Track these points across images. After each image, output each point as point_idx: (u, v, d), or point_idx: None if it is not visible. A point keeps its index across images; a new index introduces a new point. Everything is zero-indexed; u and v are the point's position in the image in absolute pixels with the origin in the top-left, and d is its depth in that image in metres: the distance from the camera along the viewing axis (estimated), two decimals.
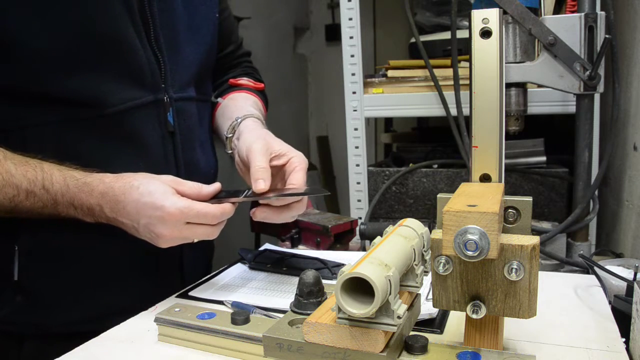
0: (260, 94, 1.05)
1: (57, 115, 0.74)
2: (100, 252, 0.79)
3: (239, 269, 0.90)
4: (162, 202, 0.67)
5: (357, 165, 1.32)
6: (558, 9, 1.03)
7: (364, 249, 1.13)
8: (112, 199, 0.69)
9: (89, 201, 0.70)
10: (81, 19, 0.71)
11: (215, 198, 0.72)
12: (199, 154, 0.90)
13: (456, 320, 0.64)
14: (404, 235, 0.54)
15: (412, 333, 0.53)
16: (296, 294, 0.63)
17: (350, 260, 0.50)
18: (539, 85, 0.93)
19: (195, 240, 0.71)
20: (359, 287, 0.45)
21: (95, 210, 0.71)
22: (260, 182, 0.71)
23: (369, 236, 1.06)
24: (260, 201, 0.74)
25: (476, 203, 0.46)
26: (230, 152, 0.88)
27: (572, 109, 0.99)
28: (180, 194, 0.69)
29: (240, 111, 0.91)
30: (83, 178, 0.71)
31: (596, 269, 0.75)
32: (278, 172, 0.78)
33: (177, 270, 0.88)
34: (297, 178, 0.74)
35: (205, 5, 0.90)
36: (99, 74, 0.74)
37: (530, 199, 0.52)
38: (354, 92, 1.29)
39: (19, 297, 0.77)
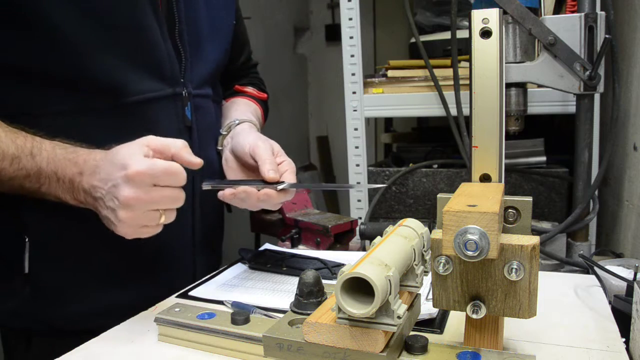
0: (262, 104, 1.09)
1: (73, 103, 0.74)
2: (113, 246, 0.77)
3: (239, 269, 0.90)
4: (127, 161, 0.64)
5: (357, 165, 1.32)
6: (558, 9, 1.03)
7: (364, 249, 1.13)
8: (92, 164, 0.67)
9: (72, 170, 0.68)
10: (104, 6, 0.72)
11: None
12: (215, 153, 0.91)
13: (456, 320, 0.64)
14: (404, 235, 0.54)
15: (412, 333, 0.53)
16: (296, 294, 0.63)
17: (350, 260, 0.50)
18: (539, 85, 0.93)
19: (162, 220, 0.66)
20: (359, 287, 0.45)
21: (75, 181, 0.68)
22: (271, 172, 0.77)
23: (369, 236, 1.06)
24: (279, 188, 0.77)
25: (476, 203, 0.46)
26: (220, 148, 0.91)
27: (572, 109, 0.99)
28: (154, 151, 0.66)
29: (240, 115, 0.95)
30: (73, 147, 0.70)
31: (596, 269, 0.75)
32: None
33: (190, 269, 0.88)
34: (289, 179, 0.79)
35: (225, 10, 0.94)
36: (118, 62, 0.75)
37: (530, 199, 0.52)
38: (354, 92, 1.29)
39: (27, 288, 0.77)
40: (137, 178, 0.62)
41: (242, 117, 0.93)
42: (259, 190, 0.76)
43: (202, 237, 0.90)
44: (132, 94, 0.76)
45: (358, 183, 0.93)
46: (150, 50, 0.78)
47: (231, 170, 0.86)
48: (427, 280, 0.63)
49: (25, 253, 0.76)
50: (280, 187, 0.76)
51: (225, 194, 0.78)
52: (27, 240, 0.76)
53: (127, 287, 0.81)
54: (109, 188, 0.64)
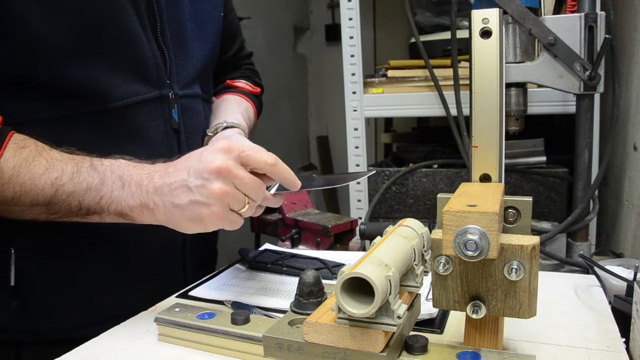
0: (254, 99, 1.06)
1: (58, 110, 0.72)
2: (101, 256, 0.78)
3: (239, 269, 0.90)
4: (212, 144, 0.65)
5: (357, 165, 1.32)
6: (558, 9, 1.03)
7: (364, 249, 1.13)
8: (164, 165, 0.68)
9: (139, 173, 0.67)
10: (84, 8, 0.69)
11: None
12: None
13: (456, 320, 0.64)
14: (404, 235, 0.54)
15: (412, 333, 0.53)
16: (296, 294, 0.63)
17: (350, 260, 0.50)
18: (539, 85, 0.93)
19: (245, 209, 0.66)
20: (359, 287, 0.45)
21: (144, 182, 0.66)
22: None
23: (369, 236, 1.06)
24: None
25: (476, 203, 0.46)
26: None
27: (572, 109, 0.99)
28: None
29: (229, 116, 0.92)
30: (136, 160, 0.70)
31: (596, 269, 0.75)
32: None
33: (181, 278, 0.87)
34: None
35: (210, 3, 0.91)
36: (101, 66, 0.72)
37: (530, 199, 0.52)
38: (354, 92, 1.29)
39: (14, 303, 0.75)
40: (224, 151, 0.63)
41: (230, 120, 0.90)
42: None
43: (193, 246, 0.87)
44: (118, 98, 0.74)
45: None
46: (134, 53, 0.75)
47: None
48: (427, 280, 0.63)
49: (11, 266, 0.73)
50: (272, 190, 0.73)
51: None
52: (12, 252, 0.73)
53: (118, 299, 0.79)
54: (196, 168, 0.63)
